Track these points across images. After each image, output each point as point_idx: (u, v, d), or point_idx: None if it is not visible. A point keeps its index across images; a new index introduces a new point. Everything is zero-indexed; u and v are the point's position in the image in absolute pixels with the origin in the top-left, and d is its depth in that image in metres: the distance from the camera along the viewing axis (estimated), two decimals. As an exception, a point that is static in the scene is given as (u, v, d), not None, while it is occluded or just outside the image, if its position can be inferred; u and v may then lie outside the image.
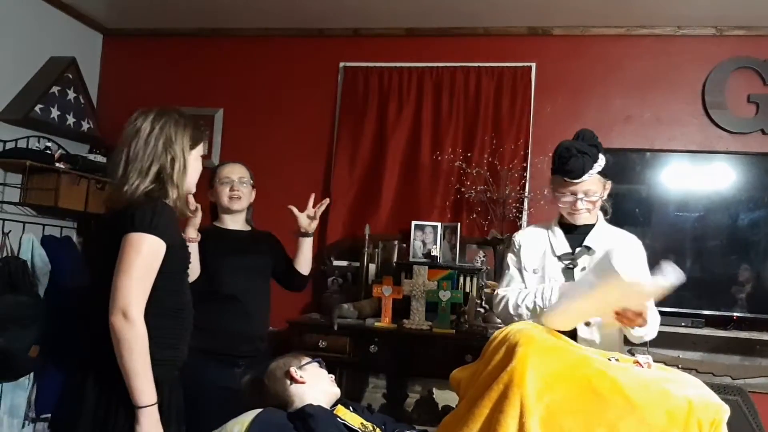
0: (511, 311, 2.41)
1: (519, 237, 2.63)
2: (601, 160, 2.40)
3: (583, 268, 2.42)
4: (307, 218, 3.05)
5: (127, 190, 1.89)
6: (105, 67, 4.71)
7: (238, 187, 2.97)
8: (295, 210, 3.04)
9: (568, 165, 2.37)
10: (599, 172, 2.40)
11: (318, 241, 4.25)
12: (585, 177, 2.38)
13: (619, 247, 2.13)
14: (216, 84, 4.55)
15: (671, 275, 1.91)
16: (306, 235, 3.05)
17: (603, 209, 2.54)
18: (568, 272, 2.46)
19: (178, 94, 4.57)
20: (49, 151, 4.02)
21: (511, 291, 2.49)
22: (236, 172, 3.00)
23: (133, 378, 1.76)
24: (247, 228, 3.09)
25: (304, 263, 3.08)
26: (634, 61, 4.02)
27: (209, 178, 3.02)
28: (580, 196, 2.42)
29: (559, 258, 2.47)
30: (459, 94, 4.12)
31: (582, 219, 2.47)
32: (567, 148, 2.38)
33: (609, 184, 2.49)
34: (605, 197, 2.50)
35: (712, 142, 3.89)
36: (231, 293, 2.86)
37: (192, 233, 2.62)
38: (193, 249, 2.59)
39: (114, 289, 1.78)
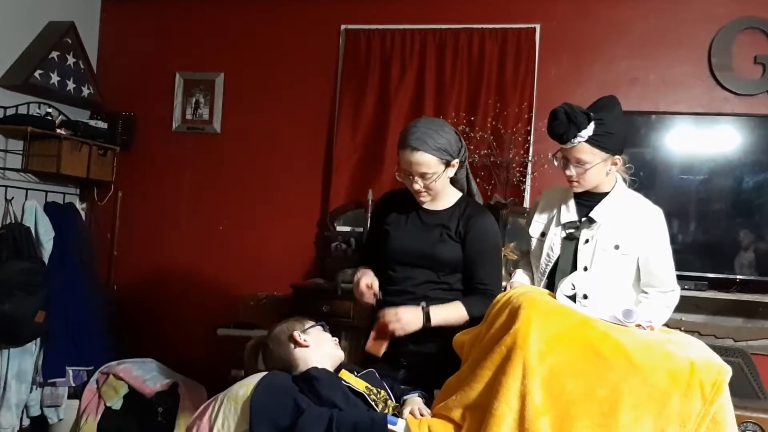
0: None
1: (542, 194, 2.58)
2: (588, 129, 2.22)
3: (587, 241, 2.34)
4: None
5: None
6: (104, 32, 4.66)
7: (419, 186, 2.27)
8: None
9: (551, 128, 2.29)
10: (592, 143, 2.24)
11: (321, 206, 4.27)
12: (568, 144, 2.26)
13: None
14: (216, 48, 4.50)
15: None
16: None
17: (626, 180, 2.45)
18: (568, 243, 2.38)
19: (179, 59, 4.54)
20: (50, 117, 4.01)
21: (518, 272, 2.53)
22: (414, 168, 2.24)
23: None
24: (449, 203, 2.39)
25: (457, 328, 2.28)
26: (639, 21, 3.96)
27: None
28: (573, 165, 2.30)
29: (563, 226, 2.40)
30: (462, 56, 4.07)
31: (578, 188, 2.35)
32: (556, 110, 2.27)
33: (617, 159, 2.34)
34: (611, 170, 2.35)
35: (718, 104, 3.84)
36: (397, 280, 2.38)
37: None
38: None
39: None
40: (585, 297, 2.25)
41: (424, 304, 2.25)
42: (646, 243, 2.34)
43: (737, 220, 3.66)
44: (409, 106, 4.12)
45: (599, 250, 2.32)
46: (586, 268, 2.32)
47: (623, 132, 2.34)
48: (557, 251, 2.40)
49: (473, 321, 2.23)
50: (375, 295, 2.31)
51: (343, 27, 4.29)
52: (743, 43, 3.83)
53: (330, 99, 4.32)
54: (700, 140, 3.73)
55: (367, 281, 2.32)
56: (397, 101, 4.12)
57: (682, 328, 3.39)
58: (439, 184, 2.30)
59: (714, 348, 1.97)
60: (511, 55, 4.02)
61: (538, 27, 4.05)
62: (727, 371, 1.82)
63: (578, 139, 2.23)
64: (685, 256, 3.64)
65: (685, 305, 3.63)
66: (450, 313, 2.26)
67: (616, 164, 2.35)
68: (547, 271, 2.42)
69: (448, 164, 2.29)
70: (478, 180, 3.89)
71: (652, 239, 2.35)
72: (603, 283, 2.26)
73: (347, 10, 4.30)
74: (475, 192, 2.51)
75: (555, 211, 2.45)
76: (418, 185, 2.27)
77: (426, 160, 2.22)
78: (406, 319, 2.20)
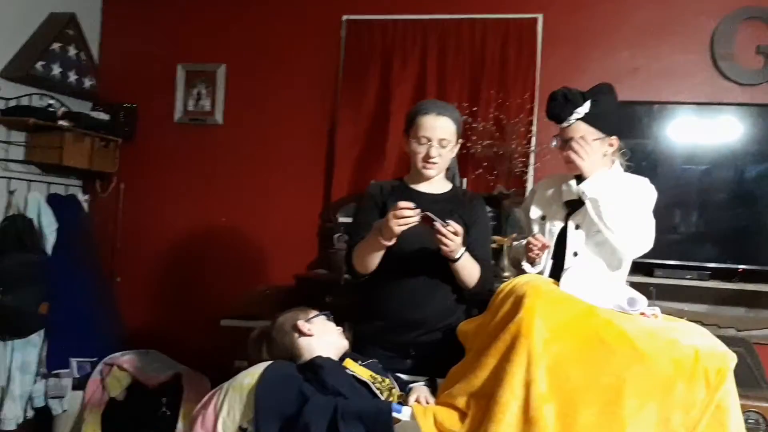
0: None
1: (538, 183, 2.68)
2: (584, 107, 2.32)
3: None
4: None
5: None
6: (105, 23, 4.63)
7: (437, 153, 2.38)
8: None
9: (549, 108, 2.42)
10: (587, 121, 2.33)
11: (323, 197, 4.27)
12: (565, 123, 2.37)
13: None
14: (218, 39, 4.48)
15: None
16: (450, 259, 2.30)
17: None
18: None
19: (180, 50, 4.52)
20: (51, 109, 4.00)
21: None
22: (438, 133, 2.36)
23: None
24: (446, 188, 2.54)
25: (462, 281, 2.38)
26: (641, 11, 3.95)
27: (407, 118, 2.49)
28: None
29: (564, 204, 2.47)
30: (464, 47, 4.05)
31: (576, 169, 2.39)
32: (554, 92, 2.40)
33: (613, 140, 2.41)
34: (608, 153, 2.42)
35: (720, 94, 3.83)
36: (401, 270, 2.39)
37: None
38: None
39: None
40: (575, 255, 2.36)
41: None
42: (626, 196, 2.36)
43: (739, 210, 3.66)
44: (410, 97, 4.09)
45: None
46: (577, 227, 2.40)
47: (618, 115, 2.45)
48: (559, 226, 2.45)
49: (480, 282, 2.37)
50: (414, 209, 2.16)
51: (344, 18, 4.27)
52: (745, 32, 3.82)
53: (331, 90, 4.31)
54: (702, 130, 3.73)
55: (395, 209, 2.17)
56: (399, 92, 4.10)
57: (685, 318, 3.40)
58: (448, 157, 2.45)
59: (716, 337, 1.98)
60: (513, 45, 4.00)
61: (540, 17, 4.03)
62: (732, 358, 1.83)
63: (575, 115, 2.34)
64: (688, 246, 3.65)
65: (687, 295, 3.65)
66: (472, 266, 2.35)
67: (612, 145, 2.43)
68: (551, 250, 2.45)
69: (457, 140, 2.46)
70: (480, 170, 3.91)
71: (630, 193, 2.38)
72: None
73: (348, 0, 4.29)
74: (459, 185, 2.69)
75: (553, 193, 2.53)
76: (435, 151, 2.38)
77: (449, 126, 2.40)
78: (458, 243, 2.23)
